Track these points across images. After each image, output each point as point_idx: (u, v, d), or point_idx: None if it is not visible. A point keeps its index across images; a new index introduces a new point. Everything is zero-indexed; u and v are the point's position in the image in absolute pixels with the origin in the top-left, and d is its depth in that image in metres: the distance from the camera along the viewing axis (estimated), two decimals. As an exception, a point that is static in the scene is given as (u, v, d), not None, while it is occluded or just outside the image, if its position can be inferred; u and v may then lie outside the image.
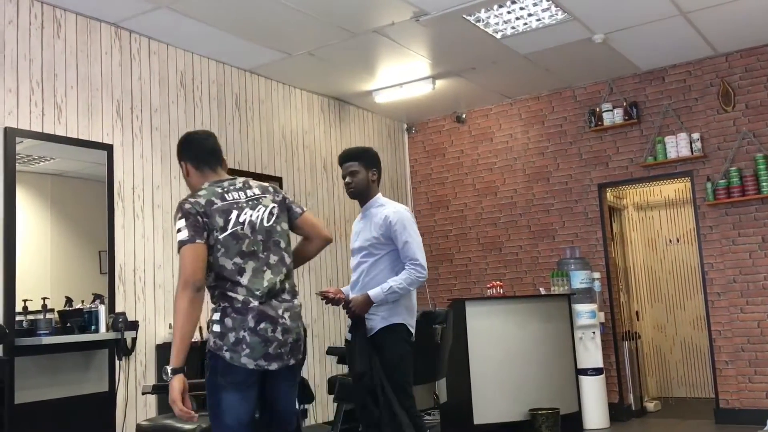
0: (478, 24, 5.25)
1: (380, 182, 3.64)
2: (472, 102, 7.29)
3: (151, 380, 4.80)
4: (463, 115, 7.53)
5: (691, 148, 6.23)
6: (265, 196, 2.77)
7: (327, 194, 6.68)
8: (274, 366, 2.60)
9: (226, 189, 2.70)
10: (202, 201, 2.63)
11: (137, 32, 5.08)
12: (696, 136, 6.24)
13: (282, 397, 2.72)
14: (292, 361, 2.67)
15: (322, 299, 3.50)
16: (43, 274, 4.41)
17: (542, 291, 6.42)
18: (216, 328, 2.60)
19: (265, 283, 2.62)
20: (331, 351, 4.92)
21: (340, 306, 3.46)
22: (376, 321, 3.41)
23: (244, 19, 4.97)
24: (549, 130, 7.06)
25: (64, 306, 4.36)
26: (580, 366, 6.00)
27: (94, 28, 4.81)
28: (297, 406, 2.85)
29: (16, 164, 4.25)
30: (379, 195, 3.61)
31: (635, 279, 7.50)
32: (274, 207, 2.76)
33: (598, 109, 6.72)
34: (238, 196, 2.71)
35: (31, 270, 4.26)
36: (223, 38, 5.26)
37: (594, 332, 6.08)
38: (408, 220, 3.46)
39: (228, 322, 2.58)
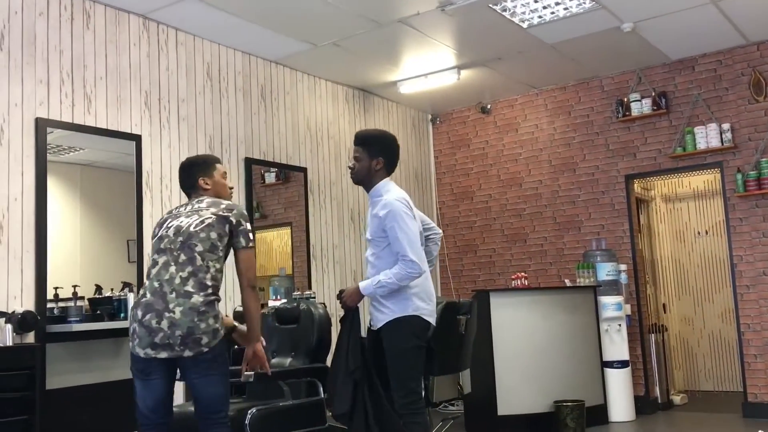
0: (504, 13, 5.21)
1: (390, 171, 3.47)
2: (498, 92, 7.25)
3: (179, 368, 4.86)
4: (488, 106, 7.48)
5: (722, 138, 6.13)
6: (208, 209, 3.09)
7: (351, 185, 6.66)
8: (163, 354, 2.87)
9: (183, 205, 3.17)
10: (158, 221, 3.19)
11: (165, 23, 5.12)
12: (726, 126, 6.14)
13: (195, 386, 2.96)
14: (187, 353, 2.86)
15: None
16: (72, 263, 4.49)
17: (567, 283, 6.38)
18: None
19: (167, 276, 2.92)
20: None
21: (342, 297, 3.41)
22: (384, 315, 3.31)
23: (270, 10, 4.99)
24: (575, 120, 7.00)
25: (94, 294, 4.44)
26: (605, 358, 5.95)
27: (122, 20, 4.86)
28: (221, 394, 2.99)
29: (47, 154, 4.32)
30: (383, 182, 3.44)
31: (662, 271, 7.42)
32: (211, 218, 3.05)
33: (626, 99, 6.63)
34: (184, 209, 3.13)
35: (61, 258, 4.34)
36: (250, 29, 5.28)
37: (620, 324, 6.04)
38: (399, 214, 3.28)
39: (130, 315, 2.99)
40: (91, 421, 4.16)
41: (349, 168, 3.52)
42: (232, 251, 3.13)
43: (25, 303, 4.11)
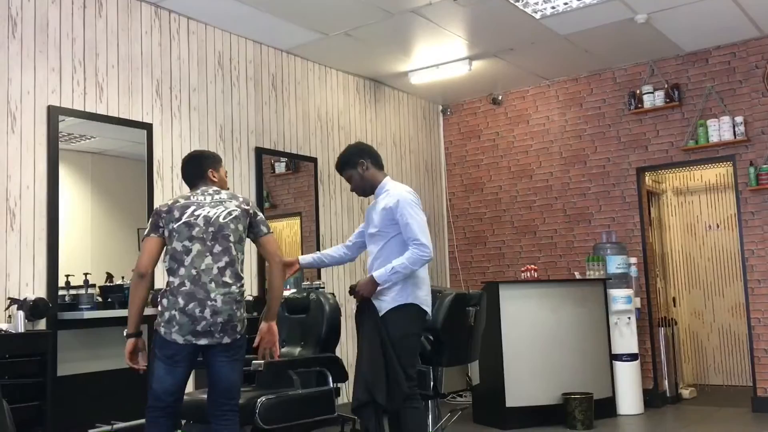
0: (516, 3, 5.18)
1: (380, 166, 3.67)
2: (509, 83, 7.21)
3: (188, 356, 4.89)
4: (500, 97, 7.45)
5: (734, 131, 6.09)
6: (231, 201, 3.18)
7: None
8: (203, 341, 2.99)
9: (195, 194, 3.19)
10: (169, 203, 3.14)
11: (177, 12, 5.12)
12: (739, 119, 6.09)
13: (218, 371, 3.07)
14: (225, 339, 3.02)
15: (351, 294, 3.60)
16: (84, 251, 4.51)
17: (577, 275, 6.37)
18: (159, 306, 3.06)
19: (203, 266, 3.02)
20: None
21: (356, 289, 3.52)
22: (386, 302, 3.46)
23: (281, -1, 4.98)
24: (587, 112, 6.96)
25: (105, 281, 4.47)
26: (614, 351, 5.94)
27: (134, 8, 4.86)
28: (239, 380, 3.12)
29: (59, 142, 4.33)
30: (386, 180, 3.66)
31: (673, 265, 7.39)
32: (235, 210, 3.15)
33: (638, 91, 6.59)
34: (204, 198, 3.16)
35: (72, 246, 4.36)
36: (261, 18, 5.27)
37: (629, 318, 6.02)
38: (408, 202, 3.47)
39: (164, 302, 3.03)
40: (101, 408, 4.19)
41: (352, 191, 3.75)
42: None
43: (37, 290, 4.14)
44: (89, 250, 4.55)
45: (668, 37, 6.02)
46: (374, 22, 5.42)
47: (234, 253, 3.10)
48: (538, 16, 5.41)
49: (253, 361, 3.52)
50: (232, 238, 3.10)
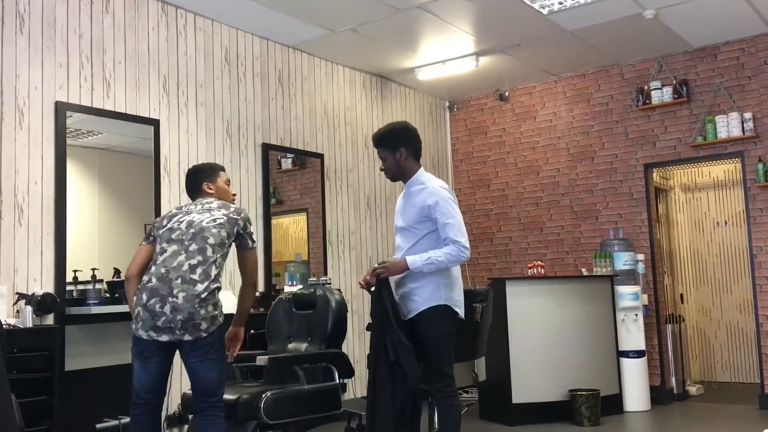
0: (524, -1, 5.16)
1: (418, 156, 3.53)
2: (516, 79, 7.19)
3: (195, 351, 4.90)
4: (506, 93, 7.43)
5: (743, 128, 6.05)
6: (219, 210, 3.26)
7: (368, 171, 6.69)
8: (164, 338, 3.03)
9: (189, 204, 3.33)
10: (163, 213, 3.36)
11: (183, 8, 5.12)
12: (748, 115, 6.05)
13: (194, 369, 3.10)
14: (187, 337, 3.02)
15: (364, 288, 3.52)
16: (91, 246, 4.53)
17: (584, 272, 6.35)
18: None
19: (174, 264, 3.07)
20: (370, 327, 4.95)
21: (384, 264, 3.39)
22: (417, 303, 3.36)
23: (288, -5, 4.97)
24: (594, 108, 6.93)
25: (113, 277, 4.47)
26: (621, 348, 5.93)
27: (141, 4, 4.87)
28: (214, 375, 3.13)
29: (66, 138, 4.34)
30: (420, 171, 3.52)
31: (680, 261, 7.36)
32: (222, 219, 3.22)
33: (646, 87, 6.56)
34: (193, 207, 3.29)
35: (80, 241, 4.38)
36: (268, 14, 5.27)
37: (637, 314, 6.00)
38: (448, 200, 3.37)
39: (134, 299, 3.12)
40: (108, 403, 4.20)
41: (381, 170, 3.59)
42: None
43: (45, 285, 4.16)
44: (96, 246, 4.57)
45: (676, 33, 5.99)
46: (381, 18, 5.41)
47: (210, 253, 3.12)
48: (545, 11, 5.39)
49: (258, 357, 3.53)
50: (211, 240, 3.14)
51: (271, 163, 5.75)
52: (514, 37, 6.00)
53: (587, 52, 6.41)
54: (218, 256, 3.15)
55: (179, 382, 4.76)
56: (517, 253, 7.29)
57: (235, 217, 3.26)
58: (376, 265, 3.42)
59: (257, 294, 5.22)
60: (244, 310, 3.43)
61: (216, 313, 3.09)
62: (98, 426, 4.01)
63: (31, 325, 3.88)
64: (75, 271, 4.28)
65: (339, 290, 4.77)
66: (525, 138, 7.33)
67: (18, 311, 3.97)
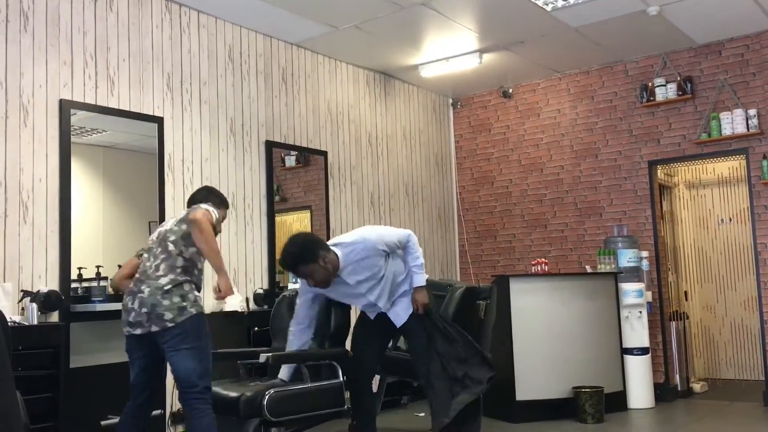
0: (528, -4, 5.15)
1: (325, 245, 3.67)
2: (520, 76, 7.18)
3: (199, 348, 4.91)
4: (510, 90, 7.42)
5: (748, 124, 6.04)
6: (182, 214, 3.43)
7: (371, 168, 6.69)
8: (137, 331, 3.23)
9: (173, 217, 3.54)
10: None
11: (187, 5, 5.12)
12: (753, 112, 6.04)
13: (170, 361, 3.24)
14: (154, 327, 3.18)
15: None
16: (95, 244, 4.54)
17: (588, 269, 6.35)
18: None
19: (144, 268, 3.33)
20: None
21: (418, 310, 3.80)
22: (402, 313, 3.82)
23: (291, -8, 4.97)
24: (598, 105, 6.92)
25: (117, 274, 4.48)
26: (625, 345, 5.92)
27: (145, 2, 4.87)
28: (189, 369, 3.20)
29: (71, 136, 4.35)
30: (341, 253, 3.65)
31: (684, 258, 7.35)
32: (183, 215, 3.41)
33: (650, 84, 6.55)
34: (174, 218, 3.51)
35: (84, 239, 4.38)
36: (271, 11, 5.27)
37: (641, 311, 6.00)
38: (369, 243, 3.68)
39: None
40: (113, 400, 4.20)
41: (315, 285, 3.68)
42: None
43: (50, 283, 4.17)
44: (101, 243, 4.58)
45: (681, 29, 5.97)
46: (384, 15, 5.40)
47: (171, 248, 3.29)
48: (549, 8, 5.38)
49: (261, 354, 3.54)
50: (172, 237, 3.32)
51: (275, 160, 5.76)
52: (517, 34, 5.99)
53: (591, 49, 6.40)
54: (181, 248, 3.29)
55: (184, 379, 4.77)
56: (521, 250, 7.29)
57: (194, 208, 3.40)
58: (423, 307, 3.81)
59: (260, 291, 5.24)
60: (206, 255, 3.27)
61: (185, 304, 3.20)
62: (103, 423, 4.03)
63: (36, 323, 3.89)
64: (80, 269, 4.29)
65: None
66: (529, 135, 7.32)
67: (23, 308, 3.99)
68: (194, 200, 3.65)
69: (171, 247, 3.30)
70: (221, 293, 3.32)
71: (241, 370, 3.98)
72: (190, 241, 3.28)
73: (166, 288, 3.21)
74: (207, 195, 3.69)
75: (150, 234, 3.57)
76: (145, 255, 3.42)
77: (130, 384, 3.38)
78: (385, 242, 3.72)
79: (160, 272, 3.26)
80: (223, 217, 3.66)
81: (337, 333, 3.92)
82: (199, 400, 3.18)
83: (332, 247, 3.68)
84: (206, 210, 3.29)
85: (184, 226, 3.33)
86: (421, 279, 3.79)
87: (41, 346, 3.83)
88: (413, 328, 3.80)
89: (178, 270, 3.26)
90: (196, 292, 3.30)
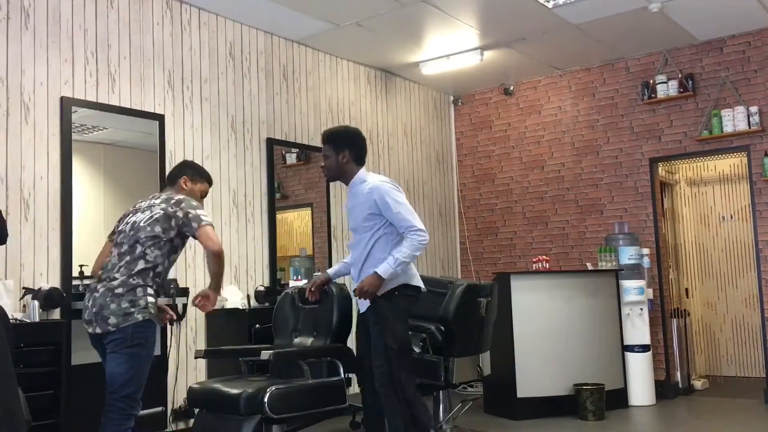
0: (529, -7, 5.14)
1: (360, 162, 3.60)
2: (521, 74, 7.18)
3: (202, 345, 4.93)
4: (511, 87, 7.42)
5: (749, 121, 6.03)
6: (160, 205, 3.34)
7: (372, 166, 6.68)
8: (90, 329, 3.22)
9: (146, 199, 3.45)
10: (123, 214, 3.50)
11: (188, 3, 5.12)
12: (754, 109, 6.03)
13: (105, 362, 3.23)
14: (97, 329, 3.17)
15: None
16: (97, 241, 4.51)
17: (589, 266, 6.35)
18: None
19: (108, 266, 3.28)
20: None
21: (353, 293, 3.50)
22: (362, 301, 3.46)
23: (292, -11, 4.97)
24: (600, 102, 6.91)
25: (118, 272, 4.48)
26: (626, 342, 5.93)
27: (145, -1, 4.87)
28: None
29: (72, 133, 4.35)
30: (361, 171, 3.59)
31: (686, 256, 7.34)
32: (158, 214, 3.30)
33: (651, 81, 6.54)
34: (143, 204, 3.41)
35: (86, 236, 4.39)
36: (272, 8, 5.26)
37: (642, 309, 6.00)
38: (389, 191, 3.44)
39: None
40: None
41: (321, 167, 3.67)
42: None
43: (51, 280, 4.18)
44: (102, 241, 4.55)
45: (682, 26, 5.97)
46: (385, 12, 5.40)
47: (138, 250, 3.24)
48: (550, 5, 5.37)
49: (262, 351, 3.54)
50: (142, 237, 3.26)
51: (276, 157, 5.76)
52: (519, 31, 5.98)
53: (592, 46, 6.39)
54: (147, 250, 3.24)
55: (185, 377, 4.79)
56: (522, 247, 7.29)
57: (173, 209, 3.30)
58: (360, 293, 3.42)
59: (261, 288, 5.23)
60: (214, 274, 3.40)
61: (132, 310, 3.14)
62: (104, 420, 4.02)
63: (37, 320, 3.90)
64: (81, 266, 4.29)
65: (344, 285, 4.76)
66: (530, 132, 7.32)
67: (24, 306, 4.00)
68: (171, 176, 3.58)
69: (138, 248, 3.24)
70: (203, 304, 3.37)
71: (243, 368, 3.98)
72: (159, 244, 3.26)
73: (117, 291, 3.16)
74: (181, 169, 3.59)
75: (126, 213, 3.45)
76: (114, 250, 3.34)
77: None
78: (392, 211, 3.40)
79: (117, 273, 3.21)
80: (204, 192, 3.62)
81: (339, 330, 3.92)
82: (116, 409, 3.14)
83: (363, 169, 3.61)
84: (210, 226, 3.29)
85: (158, 228, 3.26)
86: (385, 270, 3.33)
87: (43, 343, 3.84)
88: (370, 320, 3.52)
89: (134, 273, 3.20)
90: (150, 298, 3.20)
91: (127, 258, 3.24)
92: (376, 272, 3.36)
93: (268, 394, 3.33)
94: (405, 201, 3.46)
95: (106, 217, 4.63)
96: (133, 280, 3.19)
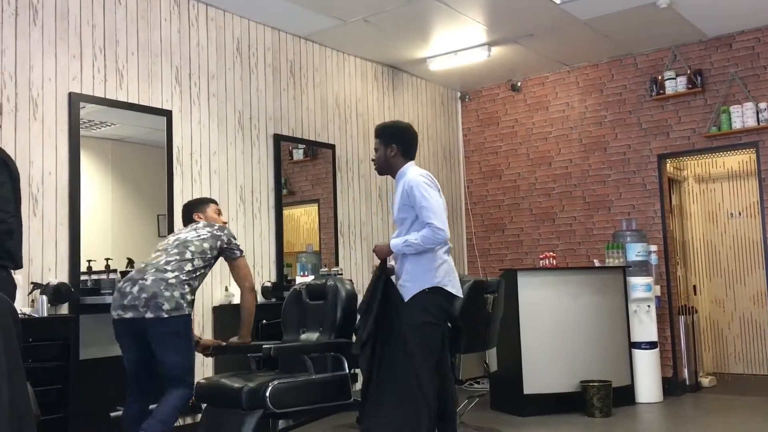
0: (536, -12, 5.12)
1: (409, 156, 3.64)
2: (528, 70, 7.16)
3: (208, 341, 4.93)
4: (519, 83, 7.40)
5: (758, 118, 6.00)
6: (204, 228, 3.68)
7: (380, 162, 6.68)
8: (129, 314, 3.33)
9: (180, 232, 3.73)
10: None
11: (195, -1, 5.13)
12: (763, 105, 6.00)
13: (156, 348, 3.35)
14: (149, 314, 3.29)
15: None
16: (105, 236, 4.56)
17: (596, 263, 6.33)
18: None
19: (151, 260, 3.50)
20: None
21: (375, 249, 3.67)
22: (407, 288, 3.44)
23: (299, -15, 4.96)
24: (608, 98, 6.89)
25: (126, 267, 4.50)
26: (634, 339, 5.91)
27: (153, -5, 4.88)
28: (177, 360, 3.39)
29: (80, 129, 4.37)
30: (407, 165, 3.63)
31: (693, 253, 7.32)
32: (206, 234, 3.63)
33: (660, 77, 6.51)
34: (183, 229, 3.77)
35: (94, 232, 4.41)
36: (279, 4, 5.26)
37: (649, 306, 5.97)
38: (420, 184, 3.47)
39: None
40: (122, 392, 4.23)
41: (372, 161, 3.78)
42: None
43: (60, 275, 4.20)
44: (110, 236, 4.60)
45: (691, 22, 5.93)
46: (392, 8, 5.39)
47: (188, 255, 3.49)
48: (558, 1, 5.35)
49: (264, 345, 3.56)
50: (192, 248, 3.53)
51: (283, 153, 5.76)
52: (526, 27, 5.96)
53: (600, 41, 6.36)
54: (196, 259, 3.49)
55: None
56: (529, 244, 7.28)
57: (219, 233, 3.65)
58: (376, 251, 3.65)
59: (268, 284, 5.24)
60: (247, 317, 3.71)
61: (182, 301, 3.33)
62: (112, 414, 4.05)
63: (46, 315, 3.92)
64: (89, 261, 4.31)
65: (350, 281, 4.77)
66: (537, 128, 7.30)
67: (33, 301, 4.02)
68: (193, 210, 3.90)
69: (188, 254, 3.50)
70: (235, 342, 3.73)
71: (252, 365, 4.00)
72: (204, 257, 3.54)
73: (170, 281, 3.36)
74: (197, 206, 3.93)
75: (164, 236, 3.79)
76: (157, 253, 3.56)
77: (128, 375, 3.48)
78: (417, 203, 3.42)
79: (169, 267, 3.42)
80: (217, 210, 3.95)
81: (343, 325, 3.92)
82: (181, 389, 3.37)
83: (411, 163, 3.64)
84: (246, 262, 3.73)
85: (206, 245, 3.57)
86: (395, 245, 3.44)
87: (51, 338, 3.86)
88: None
89: (185, 272, 3.43)
90: (191, 297, 3.45)
91: (177, 258, 3.46)
92: (388, 242, 3.54)
93: (269, 389, 3.34)
94: (434, 197, 3.47)
95: (114, 212, 4.65)
96: (184, 276, 3.42)
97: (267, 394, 3.32)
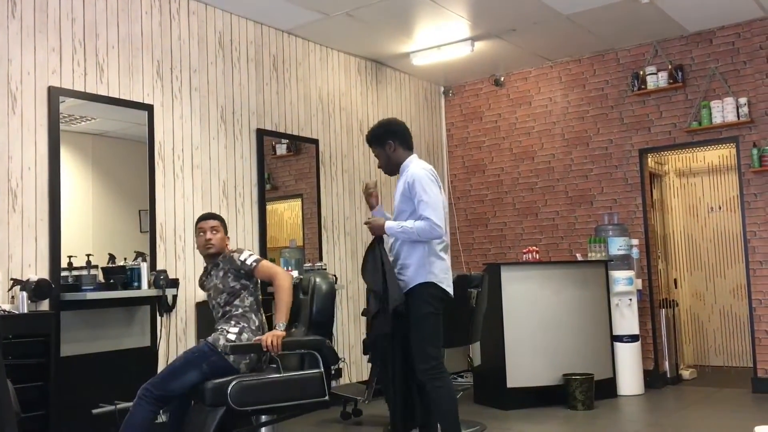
0: (519, -17, 5.13)
1: (408, 146, 3.68)
2: (511, 65, 7.17)
3: (192, 336, 4.91)
4: (502, 78, 7.41)
5: (738, 113, 6.06)
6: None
7: (363, 157, 6.68)
8: None
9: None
10: None
11: (176, -8, 5.08)
12: (743, 100, 6.05)
13: None
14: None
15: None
16: (85, 232, 4.51)
17: (579, 257, 6.37)
18: None
19: None
20: (365, 313, 4.95)
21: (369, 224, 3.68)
22: (408, 279, 3.50)
23: (282, -21, 4.93)
24: (590, 93, 6.92)
25: (107, 263, 4.47)
26: (615, 332, 5.96)
27: (134, -12, 4.83)
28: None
29: (59, 124, 4.32)
30: (410, 157, 3.67)
31: (674, 246, 7.39)
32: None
33: (641, 73, 6.55)
34: None
35: (74, 227, 4.36)
36: (262, -2, 5.23)
37: (631, 299, 6.03)
38: (421, 179, 3.49)
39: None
40: (104, 388, 4.21)
41: (379, 168, 3.79)
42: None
43: (40, 271, 4.15)
44: (91, 231, 4.56)
45: (672, 18, 5.97)
46: (376, 2, 5.37)
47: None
48: (541, -5, 5.36)
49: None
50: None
51: (266, 148, 5.74)
52: (509, 22, 5.97)
53: (583, 37, 6.39)
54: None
55: (175, 368, 4.77)
56: (512, 238, 7.31)
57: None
58: (369, 226, 3.65)
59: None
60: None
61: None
62: (94, 411, 4.02)
63: (26, 311, 3.88)
64: (70, 257, 4.27)
65: (334, 276, 4.77)
66: (520, 123, 7.33)
67: (13, 297, 3.97)
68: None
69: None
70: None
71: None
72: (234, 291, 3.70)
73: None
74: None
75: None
76: None
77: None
78: (416, 197, 3.46)
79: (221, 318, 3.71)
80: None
81: (319, 321, 3.85)
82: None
83: (414, 155, 3.67)
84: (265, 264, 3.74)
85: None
86: (390, 227, 3.51)
87: (31, 334, 3.82)
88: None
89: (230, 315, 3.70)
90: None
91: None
92: (384, 221, 3.56)
93: (230, 387, 3.34)
94: (434, 193, 3.49)
95: (95, 207, 4.60)
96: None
97: (228, 391, 3.33)
